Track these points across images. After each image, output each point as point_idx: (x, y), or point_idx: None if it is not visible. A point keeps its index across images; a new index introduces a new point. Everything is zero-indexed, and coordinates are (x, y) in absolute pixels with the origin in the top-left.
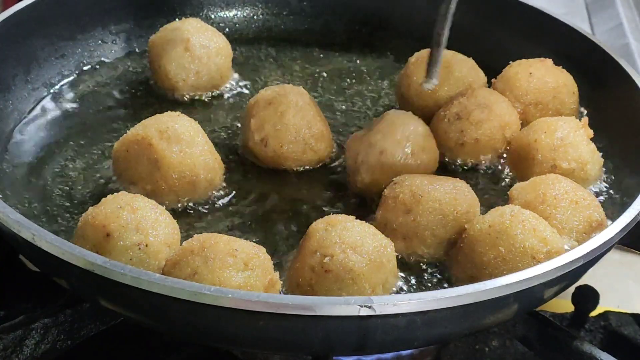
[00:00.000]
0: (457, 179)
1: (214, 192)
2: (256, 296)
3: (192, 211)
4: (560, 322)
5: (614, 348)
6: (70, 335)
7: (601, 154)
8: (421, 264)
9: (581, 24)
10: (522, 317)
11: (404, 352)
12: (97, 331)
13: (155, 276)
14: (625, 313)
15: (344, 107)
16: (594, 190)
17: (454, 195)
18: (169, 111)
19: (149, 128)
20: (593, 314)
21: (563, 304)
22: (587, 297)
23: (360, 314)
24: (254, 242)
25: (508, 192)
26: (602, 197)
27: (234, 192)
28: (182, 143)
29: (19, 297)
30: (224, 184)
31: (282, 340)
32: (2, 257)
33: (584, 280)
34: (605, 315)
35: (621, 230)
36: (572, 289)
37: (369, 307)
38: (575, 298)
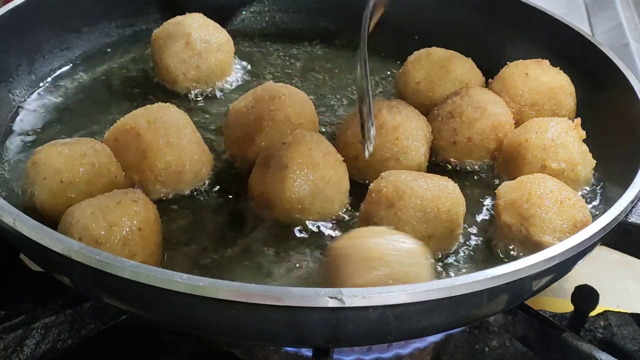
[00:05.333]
0: (444, 177)
1: (200, 183)
2: (227, 285)
3: (177, 201)
4: (560, 322)
5: (614, 348)
6: (70, 335)
7: (594, 155)
8: None
9: (581, 25)
10: (522, 317)
11: (403, 352)
12: (97, 331)
13: (128, 262)
14: (625, 313)
15: (344, 103)
16: (586, 191)
17: (437, 193)
18: (159, 102)
19: (138, 118)
20: (593, 313)
21: (563, 304)
22: (586, 297)
23: (330, 306)
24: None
25: (495, 191)
26: (593, 198)
27: (220, 185)
28: (169, 134)
29: (20, 297)
30: (212, 177)
31: (254, 330)
32: (2, 257)
33: (583, 280)
34: (605, 315)
35: (597, 232)
36: (571, 289)
37: (338, 299)
38: (575, 298)
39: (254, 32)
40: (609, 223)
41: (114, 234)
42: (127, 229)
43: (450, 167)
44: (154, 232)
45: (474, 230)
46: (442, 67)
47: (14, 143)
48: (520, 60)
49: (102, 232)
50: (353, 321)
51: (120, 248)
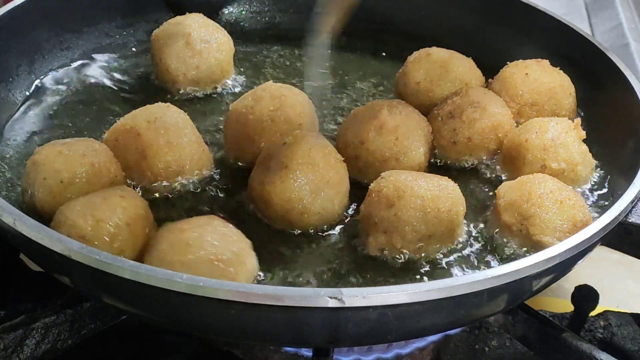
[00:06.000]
0: (444, 177)
1: (200, 183)
2: (227, 285)
3: (177, 201)
4: (560, 322)
5: (614, 348)
6: (70, 335)
7: (594, 155)
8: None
9: (581, 25)
10: (522, 317)
11: (403, 352)
12: (98, 331)
13: (128, 262)
14: (625, 313)
15: (343, 103)
16: (586, 191)
17: (437, 193)
18: (159, 102)
19: (138, 118)
20: (593, 313)
21: (563, 304)
22: (586, 297)
23: (330, 306)
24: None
25: (495, 191)
26: (593, 199)
27: (220, 185)
28: (169, 134)
29: (20, 297)
30: (211, 177)
31: (254, 330)
32: (2, 257)
33: (583, 280)
34: (605, 315)
35: (597, 232)
36: (571, 289)
37: (338, 299)
38: (575, 298)
39: (254, 32)
40: (609, 223)
41: (101, 230)
42: (114, 225)
43: (450, 167)
44: (143, 229)
45: (474, 230)
46: (442, 67)
47: (14, 143)
48: (520, 60)
49: (89, 229)
50: (353, 321)
51: (108, 244)
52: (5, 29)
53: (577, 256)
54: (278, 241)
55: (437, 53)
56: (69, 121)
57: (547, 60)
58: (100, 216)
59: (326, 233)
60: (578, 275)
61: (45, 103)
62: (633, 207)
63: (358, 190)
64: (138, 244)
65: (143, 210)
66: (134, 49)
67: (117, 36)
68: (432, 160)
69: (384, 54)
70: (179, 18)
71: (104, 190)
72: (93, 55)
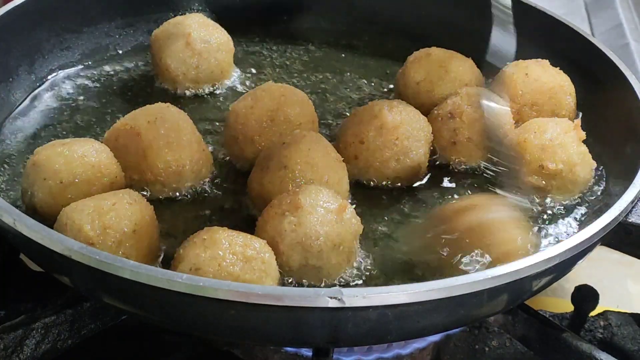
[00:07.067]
0: None
1: (199, 183)
2: (227, 285)
3: (177, 201)
4: (560, 322)
5: (614, 348)
6: (70, 335)
7: (594, 155)
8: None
9: (581, 25)
10: (522, 317)
11: (403, 352)
12: (98, 331)
13: (128, 262)
14: (625, 313)
15: (343, 103)
16: (585, 191)
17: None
18: (159, 102)
19: (138, 118)
20: (593, 313)
21: (563, 304)
22: (586, 297)
23: (330, 306)
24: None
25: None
26: (593, 199)
27: (220, 185)
28: (169, 134)
29: (20, 297)
30: (211, 177)
31: (254, 330)
32: (2, 257)
33: (583, 280)
34: (605, 315)
35: (597, 232)
36: (571, 289)
37: (338, 299)
38: (574, 298)
39: (254, 32)
40: (609, 223)
41: (108, 237)
42: (122, 232)
43: (450, 167)
44: (148, 234)
45: None
46: (442, 67)
47: (14, 143)
48: (520, 60)
49: (97, 235)
50: (353, 321)
51: (114, 251)
52: (5, 29)
53: (577, 256)
54: None
55: (437, 53)
56: (69, 121)
57: (547, 60)
58: (108, 223)
59: None
60: (578, 275)
61: (45, 103)
62: (633, 207)
63: (358, 190)
64: (143, 250)
65: (149, 217)
66: (133, 49)
67: (117, 36)
68: (432, 160)
69: (384, 54)
70: (179, 18)
71: (112, 195)
72: (93, 55)
